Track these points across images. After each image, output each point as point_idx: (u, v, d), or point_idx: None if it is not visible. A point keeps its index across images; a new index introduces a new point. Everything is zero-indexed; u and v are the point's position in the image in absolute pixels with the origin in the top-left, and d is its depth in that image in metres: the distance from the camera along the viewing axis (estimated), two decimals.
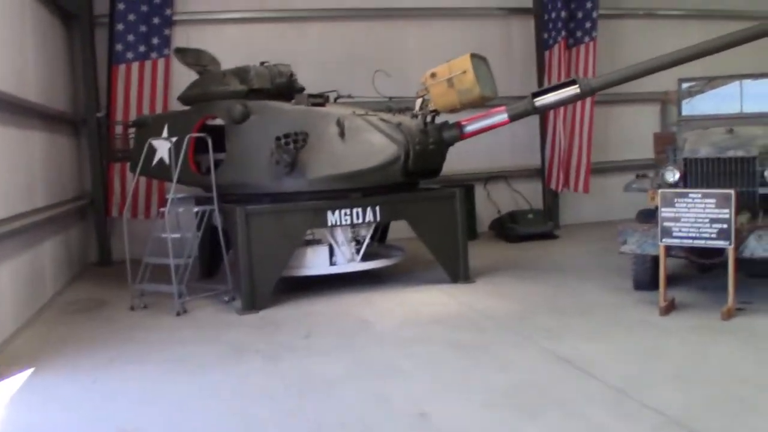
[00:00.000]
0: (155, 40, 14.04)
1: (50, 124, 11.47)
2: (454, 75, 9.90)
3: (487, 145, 14.53)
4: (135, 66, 13.92)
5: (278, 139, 9.16)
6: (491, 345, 7.38)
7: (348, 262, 10.21)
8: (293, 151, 9.16)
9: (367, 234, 10.33)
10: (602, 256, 12.14)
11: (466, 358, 6.97)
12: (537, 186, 16.65)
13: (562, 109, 14.99)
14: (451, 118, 10.62)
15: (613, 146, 16.85)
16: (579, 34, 15.58)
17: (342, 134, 9.70)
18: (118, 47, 13.88)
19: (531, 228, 14.59)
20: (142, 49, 13.96)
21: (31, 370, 7.20)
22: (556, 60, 15.53)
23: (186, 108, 11.03)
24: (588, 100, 14.56)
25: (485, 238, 15.09)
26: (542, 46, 16.09)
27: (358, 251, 10.28)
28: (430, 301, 9.52)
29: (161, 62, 14.01)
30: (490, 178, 15.99)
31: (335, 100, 11.21)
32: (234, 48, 13.24)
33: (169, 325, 8.84)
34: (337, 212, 9.70)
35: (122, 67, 13.87)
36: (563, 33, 15.34)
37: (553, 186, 15.89)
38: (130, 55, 13.92)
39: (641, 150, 16.84)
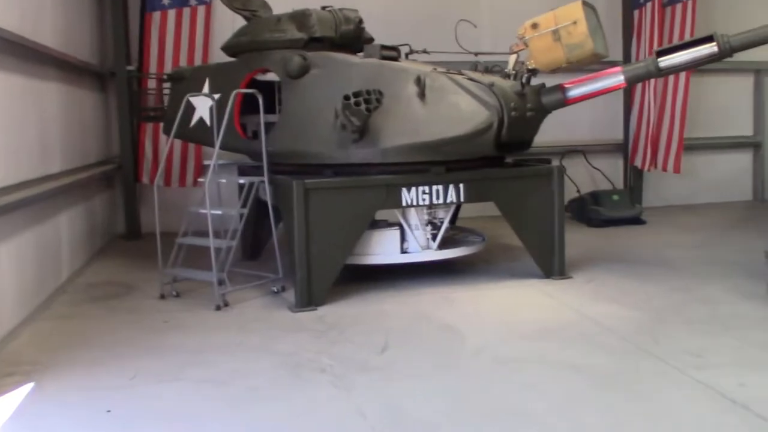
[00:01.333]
0: None
1: (71, 75, 9.76)
2: (562, 26, 8.08)
3: (564, 115, 12.56)
4: (172, 13, 12.20)
5: (347, 98, 7.36)
6: (628, 374, 5.60)
7: (422, 249, 8.45)
8: (364, 114, 7.37)
9: (445, 216, 8.56)
10: (710, 248, 10.36)
11: (602, 395, 5.20)
12: (617, 162, 14.78)
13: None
14: (546, 81, 8.83)
15: (703, 121, 14.82)
16: None
17: (422, 95, 7.92)
18: None
19: (616, 212, 12.71)
20: None
21: (31, 385, 5.55)
22: (648, 21, 13.51)
23: (231, 60, 9.27)
24: None
25: None
26: (630, 5, 14.11)
27: (434, 237, 8.51)
28: (526, 302, 7.76)
29: (201, 9, 12.27)
30: (567, 152, 14.07)
31: (407, 56, 9.37)
32: None
33: (207, 325, 7.15)
34: (413, 190, 7.94)
35: (157, 14, 12.18)
36: None
37: (638, 164, 13.99)
38: (166, 0, 12.20)
39: (735, 126, 15.16)
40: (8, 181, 6.96)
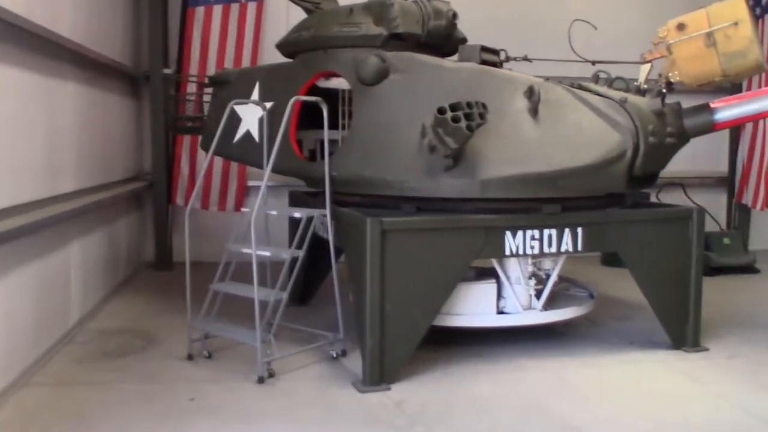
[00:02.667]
0: None
1: (94, 75, 8.09)
2: (718, 28, 6.24)
3: None
4: (218, 9, 10.60)
5: (441, 112, 5.57)
6: None
7: (524, 309, 6.61)
8: (465, 133, 5.57)
9: (553, 268, 6.72)
10: None
11: None
12: (718, 199, 12.84)
13: None
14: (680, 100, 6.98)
15: None
16: None
17: (535, 111, 6.11)
18: None
19: (728, 258, 10.76)
20: None
21: None
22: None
23: (288, 60, 7.55)
24: None
25: None
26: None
27: (538, 294, 6.67)
28: (664, 388, 5.87)
29: (252, 6, 10.64)
30: (664, 185, 12.09)
31: (501, 64, 7.55)
32: None
33: (246, 407, 5.36)
34: (519, 234, 6.11)
35: (200, 10, 10.62)
36: None
37: (747, 202, 12.01)
38: None
39: None
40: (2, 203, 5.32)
